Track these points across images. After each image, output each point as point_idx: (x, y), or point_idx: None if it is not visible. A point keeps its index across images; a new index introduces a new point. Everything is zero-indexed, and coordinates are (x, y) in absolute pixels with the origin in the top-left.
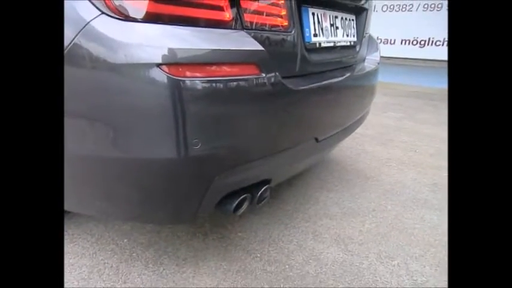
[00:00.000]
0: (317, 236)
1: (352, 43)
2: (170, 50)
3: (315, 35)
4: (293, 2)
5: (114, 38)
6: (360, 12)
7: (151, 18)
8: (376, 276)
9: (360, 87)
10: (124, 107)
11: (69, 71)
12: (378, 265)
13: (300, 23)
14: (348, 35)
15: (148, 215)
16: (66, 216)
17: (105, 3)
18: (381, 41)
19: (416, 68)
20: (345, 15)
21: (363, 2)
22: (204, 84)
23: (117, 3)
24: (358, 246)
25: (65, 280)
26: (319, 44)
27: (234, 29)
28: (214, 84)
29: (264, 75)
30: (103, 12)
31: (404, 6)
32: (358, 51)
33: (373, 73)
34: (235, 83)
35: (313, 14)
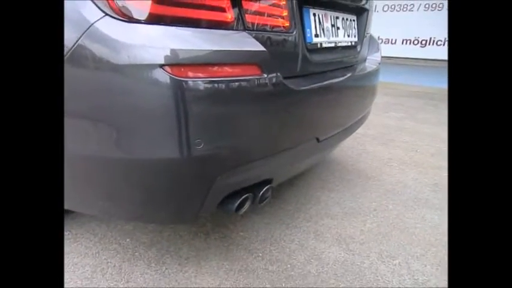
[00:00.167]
0: (318, 236)
1: (353, 43)
2: (173, 50)
3: (316, 36)
4: (294, 3)
5: (118, 39)
6: (360, 12)
7: (154, 19)
8: (377, 276)
9: (361, 88)
10: (127, 107)
11: (73, 72)
12: (379, 264)
13: (301, 24)
14: (349, 36)
15: (150, 214)
16: (69, 216)
17: (109, 4)
18: (382, 40)
19: (418, 67)
20: (346, 16)
21: (363, 3)
22: (207, 85)
23: (120, 4)
24: (359, 246)
25: (69, 279)
26: (321, 44)
27: (236, 29)
28: (216, 85)
29: (265, 75)
30: (107, 14)
31: (406, 6)
32: (359, 52)
33: (374, 73)
34: (237, 84)
35: (314, 14)
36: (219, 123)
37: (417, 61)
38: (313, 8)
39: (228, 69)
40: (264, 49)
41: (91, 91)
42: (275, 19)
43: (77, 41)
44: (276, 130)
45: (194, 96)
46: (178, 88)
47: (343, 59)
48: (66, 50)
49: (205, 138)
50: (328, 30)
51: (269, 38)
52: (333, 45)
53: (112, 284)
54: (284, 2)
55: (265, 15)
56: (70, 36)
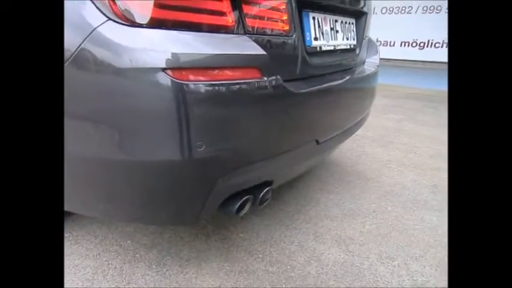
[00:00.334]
0: (318, 237)
1: (352, 46)
2: (174, 54)
3: (316, 39)
4: (294, 7)
5: (120, 43)
6: (359, 16)
7: (155, 23)
8: (376, 277)
9: (360, 90)
10: (129, 110)
11: (76, 75)
12: (379, 265)
13: (300, 27)
14: (347, 39)
15: (151, 216)
16: (69, 218)
17: (112, 9)
18: (381, 43)
19: (416, 69)
20: (344, 19)
21: (362, 6)
22: (208, 88)
23: (122, 8)
24: (358, 247)
25: (70, 281)
26: (320, 47)
27: (237, 33)
28: (217, 88)
29: (265, 78)
30: (109, 18)
31: (404, 8)
32: (358, 54)
33: (372, 75)
34: (237, 87)
35: (313, 18)
36: (220, 125)
37: (415, 63)
38: (313, 12)
39: (228, 73)
40: (264, 53)
41: (93, 94)
42: (275, 23)
43: (80, 45)
44: (276, 132)
45: (196, 99)
46: (180, 91)
47: (342, 62)
48: (69, 53)
49: (207, 140)
50: (327, 34)
51: (269, 41)
52: (332, 48)
53: (113, 286)
54: (284, 6)
55: (266, 19)
56: (73, 40)
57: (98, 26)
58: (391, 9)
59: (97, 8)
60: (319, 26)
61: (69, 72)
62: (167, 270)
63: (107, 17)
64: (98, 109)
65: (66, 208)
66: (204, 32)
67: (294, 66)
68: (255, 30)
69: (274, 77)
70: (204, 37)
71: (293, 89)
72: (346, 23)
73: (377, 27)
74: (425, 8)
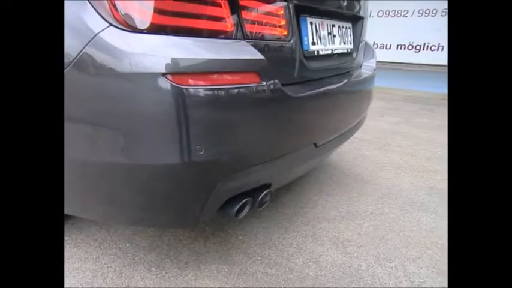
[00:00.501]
0: (316, 239)
1: (349, 50)
2: (174, 59)
3: (313, 43)
4: (292, 12)
5: (122, 48)
6: (356, 20)
7: (155, 29)
8: (374, 278)
9: (357, 93)
10: (130, 114)
11: (77, 80)
12: (376, 267)
13: (298, 32)
14: (344, 43)
15: (151, 219)
16: (69, 222)
17: (113, 15)
18: (377, 46)
19: (412, 72)
20: (341, 24)
21: (358, 11)
22: (208, 92)
23: (123, 14)
24: (356, 249)
25: (69, 284)
26: (317, 51)
27: (235, 38)
28: (217, 92)
29: (264, 83)
30: (111, 24)
31: (400, 11)
32: (355, 58)
33: (369, 79)
34: (237, 91)
35: (311, 23)
36: (220, 129)
37: (412, 66)
38: (310, 17)
39: (228, 77)
40: (263, 57)
41: (94, 98)
42: (273, 28)
43: (81, 50)
44: (274, 136)
45: (195, 103)
46: (180, 95)
47: (340, 66)
48: (71, 58)
49: (206, 144)
50: (324, 38)
51: (268, 46)
52: (329, 52)
53: None
54: (282, 12)
55: (264, 24)
56: (75, 45)
57: (100, 32)
58: (387, 12)
59: (99, 14)
60: (316, 31)
61: (71, 77)
62: (166, 272)
63: (108, 22)
64: (98, 113)
65: (65, 211)
66: (203, 37)
67: (292, 70)
68: (254, 35)
69: (272, 81)
70: (203, 42)
71: (291, 93)
72: (343, 27)
73: (373, 30)
74: (421, 12)
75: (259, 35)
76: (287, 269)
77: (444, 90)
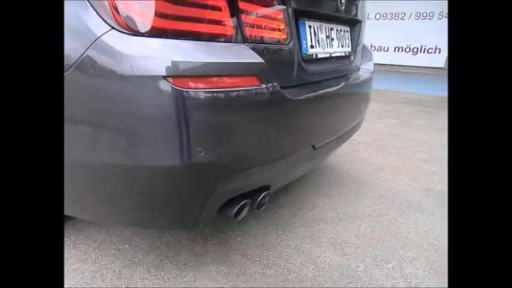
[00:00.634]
0: (314, 241)
1: (347, 53)
2: (175, 62)
3: (312, 47)
4: (291, 16)
5: (123, 51)
6: (354, 24)
7: (156, 32)
8: (372, 279)
9: (355, 95)
10: (130, 116)
11: (79, 82)
12: (374, 268)
13: (297, 36)
14: (343, 46)
15: (150, 220)
16: (68, 223)
17: (115, 18)
18: (375, 48)
19: (410, 74)
20: (340, 27)
21: (356, 14)
22: (208, 95)
23: (125, 17)
24: (354, 250)
25: (68, 285)
26: (316, 55)
27: (235, 42)
28: (217, 95)
29: (263, 86)
30: (113, 27)
31: (397, 14)
32: (353, 61)
33: (367, 81)
34: (236, 94)
35: (309, 26)
36: (220, 132)
37: (409, 68)
38: (309, 21)
39: (228, 80)
40: (262, 60)
41: (96, 100)
42: (273, 31)
43: (84, 53)
44: (273, 138)
45: (196, 105)
46: (180, 98)
47: (338, 69)
48: (73, 60)
49: (207, 146)
50: (323, 41)
51: (267, 49)
52: (327, 55)
53: None
54: (281, 15)
55: (263, 27)
56: (77, 48)
57: (102, 35)
58: (384, 15)
59: (101, 17)
60: (315, 34)
61: (73, 79)
62: (165, 273)
63: (110, 26)
64: (99, 115)
65: (65, 212)
66: (203, 40)
67: (291, 73)
68: (253, 38)
69: (271, 84)
70: (203, 45)
71: (290, 96)
72: (341, 31)
73: (371, 32)
74: (418, 15)
75: (259, 39)
76: (285, 270)
77: (442, 92)
